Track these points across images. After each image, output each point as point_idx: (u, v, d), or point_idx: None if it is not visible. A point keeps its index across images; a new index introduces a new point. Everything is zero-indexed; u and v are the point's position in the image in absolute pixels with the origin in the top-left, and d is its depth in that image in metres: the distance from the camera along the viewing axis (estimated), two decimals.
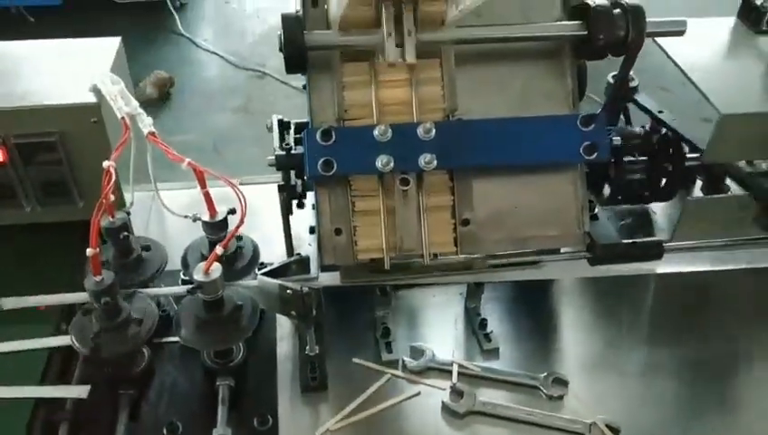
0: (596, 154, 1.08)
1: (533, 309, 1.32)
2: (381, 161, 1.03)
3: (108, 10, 4.46)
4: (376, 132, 1.03)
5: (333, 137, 1.03)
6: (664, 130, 1.37)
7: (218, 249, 0.99)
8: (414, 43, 1.01)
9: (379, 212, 1.07)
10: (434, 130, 1.04)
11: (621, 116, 1.49)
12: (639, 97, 1.44)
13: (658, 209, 1.48)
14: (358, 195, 1.08)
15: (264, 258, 1.21)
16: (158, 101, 3.84)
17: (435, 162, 1.03)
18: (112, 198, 1.06)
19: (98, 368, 1.08)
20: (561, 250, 1.21)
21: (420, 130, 1.04)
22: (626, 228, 1.47)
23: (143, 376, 1.10)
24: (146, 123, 1.09)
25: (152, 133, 1.07)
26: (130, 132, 1.08)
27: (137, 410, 1.07)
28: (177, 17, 4.63)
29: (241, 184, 1.60)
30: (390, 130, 1.04)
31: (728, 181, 1.37)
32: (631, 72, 1.46)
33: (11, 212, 1.25)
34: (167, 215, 1.43)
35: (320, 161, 1.03)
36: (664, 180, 1.37)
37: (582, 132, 1.08)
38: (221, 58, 4.25)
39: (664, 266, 1.22)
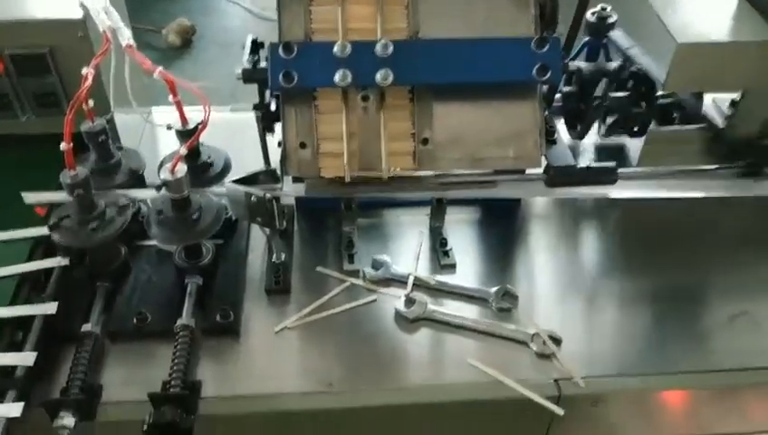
0: (549, 75, 1.12)
1: (497, 232, 1.37)
2: (339, 75, 1.08)
3: None
4: (336, 48, 1.09)
5: (295, 51, 1.09)
6: (635, 67, 1.41)
7: (182, 150, 1.07)
8: None
9: (342, 129, 1.13)
10: (391, 47, 1.09)
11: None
12: (614, 33, 1.47)
13: (633, 145, 1.51)
14: (322, 112, 1.14)
15: None
16: (180, 49, 3.93)
17: (390, 77, 1.09)
18: (91, 103, 1.15)
19: (78, 261, 1.18)
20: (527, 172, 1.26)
21: (378, 48, 1.09)
22: (600, 160, 1.51)
23: (119, 272, 1.19)
24: (125, 36, 1.17)
25: (129, 46, 1.15)
26: (111, 44, 1.16)
27: (111, 301, 1.16)
28: None
29: (231, 110, 1.70)
30: (350, 47, 1.09)
31: None
32: (609, 8, 1.50)
33: (8, 123, 1.34)
34: (157, 133, 1.53)
35: (280, 73, 1.09)
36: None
37: (536, 54, 1.12)
38: (243, 8, 4.31)
39: (618, 192, 1.26)
